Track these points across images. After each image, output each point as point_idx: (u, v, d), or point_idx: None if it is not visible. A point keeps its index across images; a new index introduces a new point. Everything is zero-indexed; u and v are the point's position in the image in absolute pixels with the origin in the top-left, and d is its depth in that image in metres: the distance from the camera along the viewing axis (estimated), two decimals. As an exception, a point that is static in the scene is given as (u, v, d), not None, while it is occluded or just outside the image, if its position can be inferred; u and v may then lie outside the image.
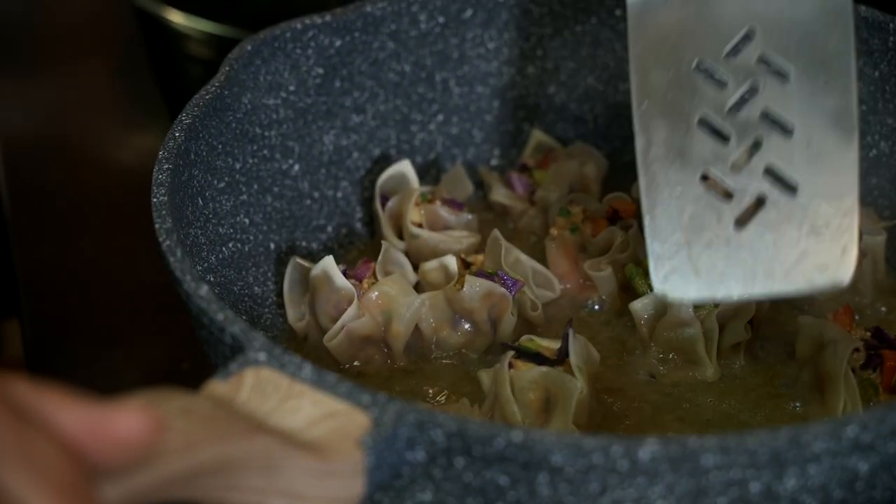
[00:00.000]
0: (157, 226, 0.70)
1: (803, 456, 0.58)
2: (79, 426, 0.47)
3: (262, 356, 0.61)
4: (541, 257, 0.84)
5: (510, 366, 0.74)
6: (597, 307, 0.83)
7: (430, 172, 0.92)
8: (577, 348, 0.74)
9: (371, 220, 0.89)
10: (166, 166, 0.75)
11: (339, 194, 0.89)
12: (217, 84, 0.81)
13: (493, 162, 0.94)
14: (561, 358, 0.74)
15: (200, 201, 0.79)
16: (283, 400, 0.59)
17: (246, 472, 0.54)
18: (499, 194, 0.90)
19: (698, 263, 0.69)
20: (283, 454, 0.55)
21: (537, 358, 0.74)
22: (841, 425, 0.58)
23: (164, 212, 0.71)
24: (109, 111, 1.16)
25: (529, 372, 0.73)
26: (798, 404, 0.76)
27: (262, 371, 0.60)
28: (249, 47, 0.84)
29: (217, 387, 0.59)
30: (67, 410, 0.48)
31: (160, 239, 0.70)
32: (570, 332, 0.74)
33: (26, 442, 0.46)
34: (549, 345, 0.75)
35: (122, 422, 0.48)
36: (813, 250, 0.69)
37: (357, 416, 0.58)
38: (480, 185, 0.93)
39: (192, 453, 0.52)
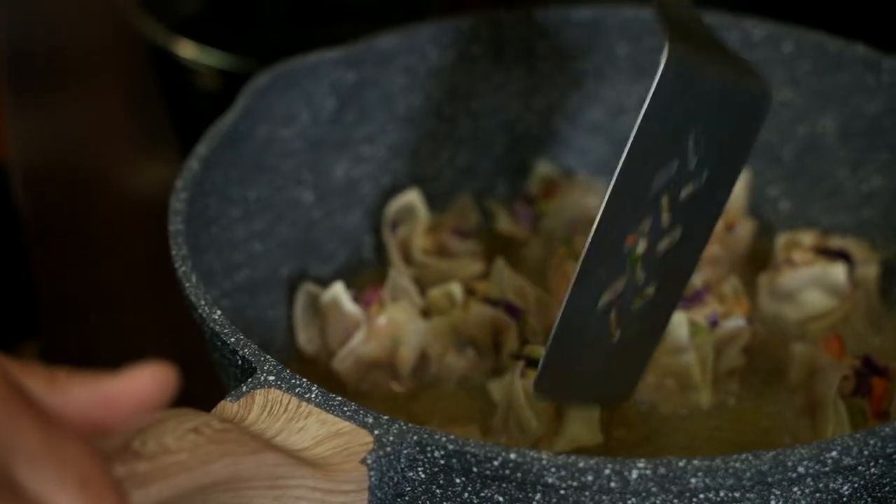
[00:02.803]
0: (173, 252, 0.74)
1: (788, 478, 0.60)
2: (90, 403, 0.48)
3: (271, 378, 0.64)
4: (544, 285, 0.87)
5: (522, 374, 0.77)
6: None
7: (438, 202, 0.95)
8: None
9: (381, 248, 0.92)
10: (183, 195, 0.78)
11: (351, 223, 0.92)
12: (233, 116, 0.85)
13: (500, 192, 0.97)
14: None
15: (215, 229, 0.82)
16: (290, 420, 0.62)
17: (255, 488, 0.57)
18: (504, 224, 0.93)
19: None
20: (290, 472, 0.58)
21: None
22: (824, 449, 0.60)
23: (179, 239, 0.74)
24: (123, 140, 1.19)
25: None
26: (790, 429, 0.79)
27: (271, 392, 0.63)
28: (265, 80, 0.87)
29: (228, 407, 0.62)
30: (75, 390, 0.48)
31: (176, 265, 0.73)
32: None
33: (55, 443, 0.46)
34: None
35: (132, 389, 0.48)
36: None
37: (361, 436, 0.61)
38: (487, 215, 0.95)
39: (204, 471, 0.55)
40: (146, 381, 0.48)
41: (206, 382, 0.88)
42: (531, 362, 0.77)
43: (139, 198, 1.13)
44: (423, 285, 0.87)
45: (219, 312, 0.69)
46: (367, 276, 0.92)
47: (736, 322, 0.81)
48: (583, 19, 0.95)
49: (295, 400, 0.63)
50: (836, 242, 0.88)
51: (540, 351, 0.78)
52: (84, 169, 1.16)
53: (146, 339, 0.98)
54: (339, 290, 0.83)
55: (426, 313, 0.84)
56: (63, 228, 1.09)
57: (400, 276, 0.85)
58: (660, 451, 0.77)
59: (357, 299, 0.83)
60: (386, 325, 0.82)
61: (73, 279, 1.04)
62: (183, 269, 0.73)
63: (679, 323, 0.80)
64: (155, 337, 0.98)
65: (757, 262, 0.90)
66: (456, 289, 0.84)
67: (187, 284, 0.71)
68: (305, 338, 0.85)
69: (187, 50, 1.09)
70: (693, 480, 0.60)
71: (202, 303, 0.70)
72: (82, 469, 0.46)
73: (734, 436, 0.79)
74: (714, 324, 0.81)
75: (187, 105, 1.15)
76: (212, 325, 0.69)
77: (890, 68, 0.89)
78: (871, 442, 0.61)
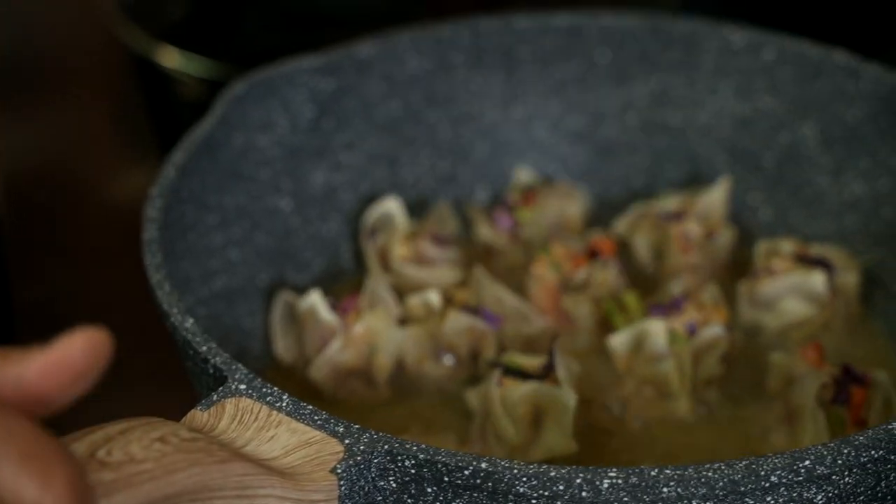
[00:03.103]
0: (146, 261, 0.73)
1: (761, 487, 0.60)
2: (26, 377, 0.47)
3: (242, 387, 0.64)
4: (523, 293, 0.87)
5: (498, 383, 0.76)
6: (576, 342, 0.86)
7: (417, 209, 0.94)
8: (564, 362, 0.77)
9: (359, 256, 0.92)
10: (158, 203, 0.78)
11: (329, 230, 0.92)
12: (209, 123, 0.84)
13: (480, 199, 0.97)
14: (546, 373, 0.76)
15: (192, 237, 0.82)
16: (261, 429, 0.62)
17: (222, 498, 0.57)
18: (483, 231, 0.93)
19: None
20: (258, 481, 0.58)
21: (521, 374, 0.77)
22: (797, 458, 0.60)
23: (154, 247, 0.74)
24: (107, 149, 1.19)
25: (519, 389, 0.76)
26: (769, 438, 0.78)
27: (242, 401, 0.63)
28: (242, 88, 0.87)
29: (198, 416, 0.62)
30: (9, 367, 0.47)
31: (149, 274, 0.73)
32: (556, 348, 0.77)
33: (4, 426, 0.45)
34: (528, 361, 0.78)
35: (66, 358, 0.48)
36: None
37: (331, 445, 0.61)
38: (467, 222, 0.95)
39: (170, 480, 0.54)
40: (79, 347, 0.48)
41: (187, 391, 0.88)
42: (508, 371, 0.77)
43: (121, 206, 1.12)
44: (401, 293, 0.86)
45: (191, 321, 0.69)
46: (345, 283, 0.91)
47: (714, 330, 0.80)
48: (562, 26, 0.95)
49: (266, 409, 0.62)
50: (816, 250, 0.87)
51: (518, 359, 0.78)
52: (66, 177, 1.16)
53: (128, 347, 0.97)
54: (315, 299, 0.82)
55: (404, 321, 0.83)
56: (44, 237, 1.09)
57: (377, 283, 0.84)
58: (637, 459, 0.77)
59: (335, 307, 0.83)
60: (363, 333, 0.81)
61: (54, 287, 1.03)
62: (157, 277, 0.72)
63: (657, 331, 0.80)
64: (137, 345, 0.97)
65: (737, 269, 0.90)
66: (434, 297, 0.83)
67: (159, 292, 0.71)
68: (282, 346, 0.85)
69: (170, 58, 1.08)
70: (665, 490, 0.59)
71: (174, 311, 0.70)
72: (24, 443, 0.46)
73: (712, 444, 0.78)
74: (692, 332, 0.80)
75: (170, 114, 1.15)
76: (183, 333, 0.68)
77: (870, 75, 0.89)
78: (845, 451, 0.61)
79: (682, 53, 0.94)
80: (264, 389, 0.63)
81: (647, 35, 0.95)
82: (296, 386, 0.83)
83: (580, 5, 1.00)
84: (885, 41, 1.13)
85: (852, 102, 0.89)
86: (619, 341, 0.81)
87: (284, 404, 0.63)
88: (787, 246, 0.87)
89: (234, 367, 0.65)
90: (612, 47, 0.95)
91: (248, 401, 0.63)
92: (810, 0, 1.19)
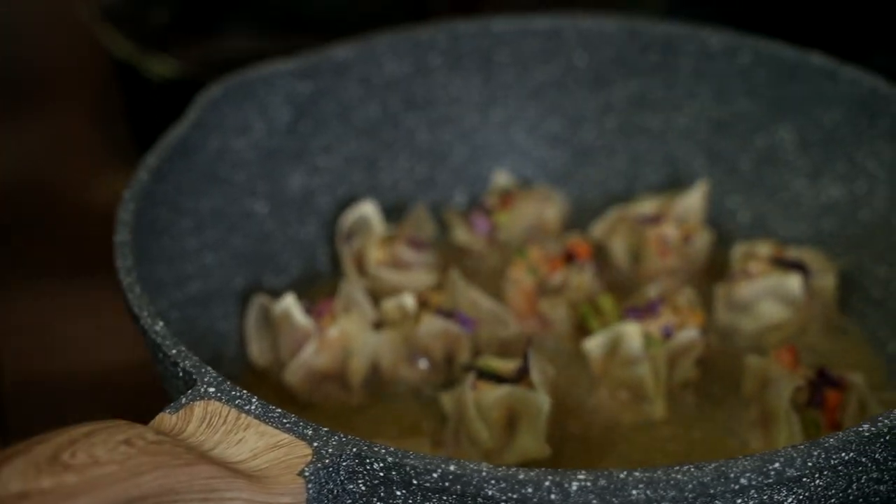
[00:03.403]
0: (117, 263, 0.73)
1: (731, 489, 0.60)
2: None
3: (211, 390, 0.63)
4: (500, 297, 0.86)
5: (473, 387, 0.76)
6: (552, 345, 0.85)
7: (395, 212, 0.94)
8: (538, 365, 0.77)
9: (336, 259, 0.92)
10: (131, 206, 0.77)
11: (306, 233, 0.92)
12: (184, 126, 0.84)
13: (458, 203, 0.97)
14: (520, 376, 0.76)
15: (166, 240, 0.82)
16: (229, 432, 0.61)
17: (188, 501, 0.56)
18: (460, 235, 0.93)
19: None
20: (225, 484, 0.57)
21: (496, 378, 0.77)
22: (767, 460, 0.60)
23: (125, 250, 0.74)
24: (88, 155, 1.19)
25: (493, 392, 0.76)
26: (744, 441, 0.78)
27: (211, 404, 0.63)
28: (217, 91, 0.87)
29: (166, 419, 0.62)
30: None
31: (120, 276, 0.72)
32: (531, 351, 0.77)
33: None
34: (504, 365, 0.77)
35: None
36: None
37: (300, 448, 0.61)
38: (444, 226, 0.95)
39: (134, 483, 0.54)
40: None
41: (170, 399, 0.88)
42: (483, 374, 0.77)
43: (101, 210, 1.11)
44: (377, 297, 0.86)
45: (161, 324, 0.69)
46: (322, 287, 0.91)
47: (690, 333, 0.80)
48: (541, 29, 0.95)
49: (234, 412, 0.62)
50: (793, 253, 0.87)
51: (492, 363, 0.78)
52: (47, 182, 1.16)
53: (112, 351, 0.97)
54: (290, 302, 0.82)
55: (379, 325, 0.83)
56: (26, 240, 1.08)
57: (353, 287, 0.84)
58: (612, 463, 0.77)
59: (310, 311, 0.82)
60: (337, 337, 0.81)
61: (37, 292, 1.03)
62: (127, 280, 0.72)
63: (633, 334, 0.80)
64: (121, 350, 0.97)
65: (714, 273, 0.90)
66: (408, 300, 0.83)
67: (130, 296, 0.71)
68: (257, 350, 0.84)
69: (152, 63, 1.08)
70: (634, 492, 0.59)
71: (144, 314, 0.70)
72: None
73: (688, 448, 0.78)
74: (668, 335, 0.80)
75: (152, 119, 1.15)
76: (153, 336, 0.68)
77: (847, 78, 0.89)
78: (815, 453, 0.60)
79: (660, 57, 0.94)
80: (233, 392, 0.63)
81: (625, 39, 0.95)
82: (270, 390, 0.82)
83: (565, 8, 1.00)
84: (867, 46, 1.14)
85: (829, 105, 0.89)
86: (594, 344, 0.81)
87: (253, 407, 0.62)
88: (764, 249, 0.87)
89: (203, 370, 0.65)
90: (590, 51, 0.95)
91: (217, 404, 0.63)
92: (793, 4, 1.19)
